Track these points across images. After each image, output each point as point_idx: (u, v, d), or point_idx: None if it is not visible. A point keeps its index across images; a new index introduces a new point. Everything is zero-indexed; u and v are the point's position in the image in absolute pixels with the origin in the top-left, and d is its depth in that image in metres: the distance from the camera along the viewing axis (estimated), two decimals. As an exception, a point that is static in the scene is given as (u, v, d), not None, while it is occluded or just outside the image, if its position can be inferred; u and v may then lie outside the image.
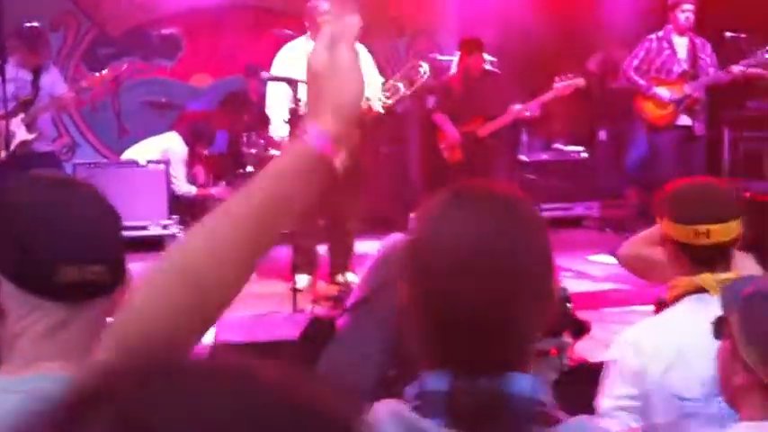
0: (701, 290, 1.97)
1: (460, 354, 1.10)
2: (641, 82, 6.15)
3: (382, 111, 5.10)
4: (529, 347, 1.13)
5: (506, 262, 1.09)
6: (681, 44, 6.15)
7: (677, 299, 2.01)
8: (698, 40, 6.16)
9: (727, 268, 2.00)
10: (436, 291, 1.11)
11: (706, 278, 1.95)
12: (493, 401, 1.07)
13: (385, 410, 1.11)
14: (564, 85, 5.92)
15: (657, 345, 1.96)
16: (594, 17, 7.57)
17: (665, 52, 6.14)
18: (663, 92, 6.08)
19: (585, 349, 3.42)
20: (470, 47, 6.10)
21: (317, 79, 1.11)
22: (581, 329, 2.04)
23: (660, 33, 6.19)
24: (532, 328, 1.14)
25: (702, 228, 1.96)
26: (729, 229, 1.98)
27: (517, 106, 6.01)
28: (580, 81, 5.99)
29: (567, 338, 2.02)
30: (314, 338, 3.50)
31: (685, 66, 6.12)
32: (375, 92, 5.04)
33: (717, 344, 1.62)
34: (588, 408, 1.70)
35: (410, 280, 1.14)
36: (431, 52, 7.09)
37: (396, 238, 3.48)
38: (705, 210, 2.00)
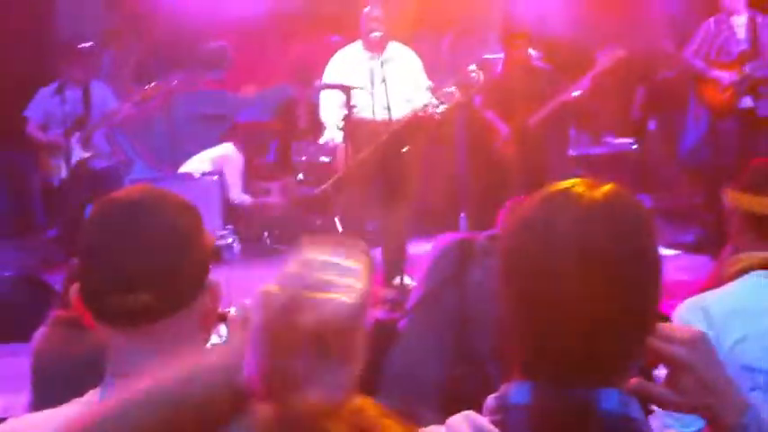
0: (766, 266, 1.92)
1: (552, 362, 1.03)
2: (699, 65, 5.98)
3: (438, 115, 5.12)
4: (626, 365, 1.05)
5: (612, 265, 1.02)
6: (740, 23, 5.93)
7: (740, 273, 1.95)
8: (760, 18, 5.92)
9: None
10: (535, 295, 1.04)
11: None
12: (580, 417, 1.01)
13: (464, 423, 1.04)
14: (606, 57, 5.84)
15: (727, 315, 1.90)
16: (642, 7, 7.48)
17: (723, 33, 5.95)
18: (721, 74, 5.93)
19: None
20: (515, 41, 6.01)
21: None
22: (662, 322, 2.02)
23: (718, 15, 5.99)
24: (632, 345, 1.04)
25: None
26: None
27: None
28: (620, 51, 5.89)
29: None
30: (376, 341, 3.52)
31: (745, 45, 5.91)
32: (423, 95, 5.07)
33: None
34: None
35: (509, 282, 1.07)
36: (476, 51, 7.08)
37: (449, 237, 3.49)
38: None
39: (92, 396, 1.23)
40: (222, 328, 1.35)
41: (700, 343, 1.02)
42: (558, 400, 1.02)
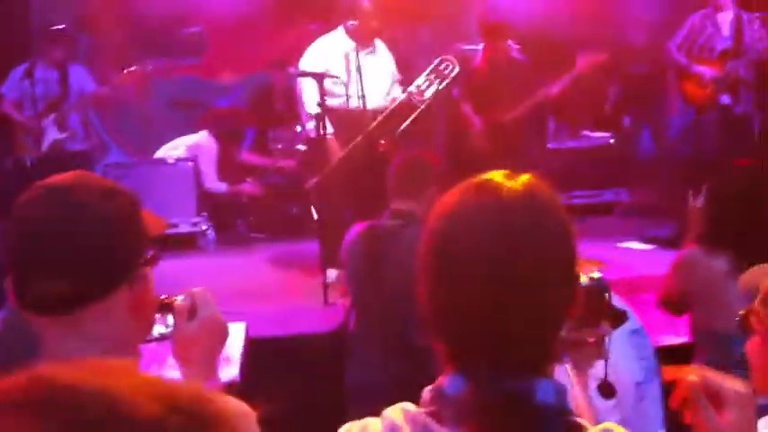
0: None
1: (481, 352, 1.03)
2: (681, 60, 5.98)
3: (422, 107, 5.14)
4: (554, 346, 1.06)
5: (524, 247, 1.04)
6: (725, 21, 5.93)
7: None
8: (746, 16, 5.92)
9: None
10: (454, 281, 1.05)
11: None
12: (515, 409, 1.00)
13: (399, 415, 1.04)
14: (586, 61, 5.85)
15: None
16: (619, 2, 7.49)
17: (707, 30, 5.94)
18: (703, 70, 5.92)
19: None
20: (495, 33, 5.97)
21: (189, 346, 1.31)
22: (619, 319, 2.00)
23: (704, 11, 5.98)
24: (556, 321, 1.07)
25: None
26: None
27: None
28: (602, 56, 5.90)
29: (605, 328, 1.99)
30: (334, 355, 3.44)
31: (728, 43, 5.91)
32: (390, 87, 5.11)
33: None
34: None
35: (428, 271, 1.08)
36: (455, 41, 7.06)
37: (354, 229, 3.45)
38: None
39: None
40: (169, 318, 1.33)
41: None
42: (490, 391, 1.01)
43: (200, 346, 1.33)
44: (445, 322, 1.07)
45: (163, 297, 1.35)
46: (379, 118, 5.05)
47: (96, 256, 1.20)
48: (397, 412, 1.05)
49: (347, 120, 5.04)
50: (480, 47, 6.22)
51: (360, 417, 1.10)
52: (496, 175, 1.11)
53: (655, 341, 3.00)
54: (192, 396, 0.57)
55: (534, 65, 6.21)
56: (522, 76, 6.02)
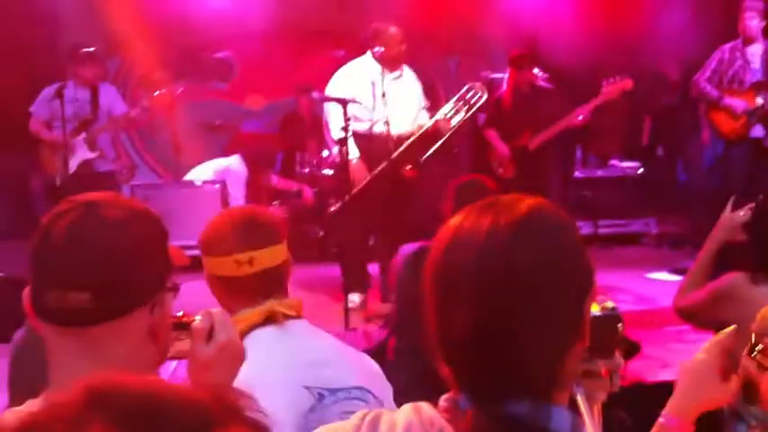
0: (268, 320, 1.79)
1: (477, 377, 1.02)
2: (713, 93, 5.94)
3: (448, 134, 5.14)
4: (558, 373, 1.03)
5: (511, 272, 1.01)
6: (755, 53, 5.92)
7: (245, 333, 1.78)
8: None
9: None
10: (445, 302, 1.04)
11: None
12: None
13: (413, 413, 1.04)
14: (612, 87, 5.82)
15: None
16: (647, 32, 7.47)
17: (737, 62, 5.93)
18: (734, 102, 5.89)
19: (641, 369, 3.35)
20: (521, 62, 6.03)
21: (204, 370, 1.28)
22: (632, 349, 1.95)
23: (733, 42, 5.97)
24: (557, 348, 1.03)
25: (243, 256, 1.79)
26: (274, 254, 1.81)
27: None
28: (628, 82, 5.86)
29: (618, 359, 1.94)
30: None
31: (759, 75, 5.89)
32: (419, 115, 5.11)
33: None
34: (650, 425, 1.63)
35: (427, 294, 1.07)
36: (482, 70, 7.07)
37: (408, 248, 3.41)
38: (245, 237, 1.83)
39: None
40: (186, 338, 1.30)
41: None
42: (494, 413, 1.00)
43: (216, 370, 1.30)
44: (443, 345, 1.05)
45: (180, 315, 1.32)
46: (405, 144, 5.05)
47: (122, 275, 1.19)
48: (414, 411, 1.05)
49: (372, 145, 5.04)
50: (506, 75, 6.23)
51: None
52: (503, 199, 1.09)
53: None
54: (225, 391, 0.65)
55: (561, 93, 6.19)
56: (546, 104, 6.01)
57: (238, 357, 1.33)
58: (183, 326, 1.31)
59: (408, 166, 5.04)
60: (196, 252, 1.97)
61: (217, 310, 1.34)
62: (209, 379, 1.29)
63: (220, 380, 1.30)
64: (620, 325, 1.85)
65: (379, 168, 4.98)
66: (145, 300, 1.21)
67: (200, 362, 1.29)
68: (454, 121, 5.22)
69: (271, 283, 1.83)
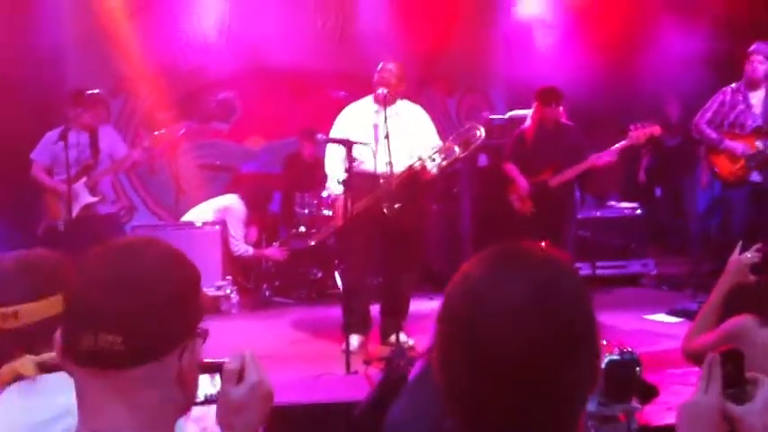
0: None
1: (505, 416, 1.02)
2: (713, 135, 5.98)
3: (436, 172, 5.10)
4: (577, 413, 1.05)
5: (551, 319, 1.02)
6: (757, 97, 5.96)
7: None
8: None
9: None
10: (480, 348, 1.03)
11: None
12: None
13: None
14: (640, 131, 5.85)
15: None
16: (647, 73, 7.55)
17: (739, 106, 5.96)
18: (735, 145, 5.93)
19: (648, 412, 3.32)
20: (548, 98, 5.98)
21: (235, 412, 1.30)
22: (649, 393, 1.94)
23: (735, 86, 6.01)
24: (578, 391, 1.05)
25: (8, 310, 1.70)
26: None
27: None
28: (656, 128, 5.89)
29: (635, 403, 1.92)
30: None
31: (760, 121, 5.93)
32: (430, 153, 5.06)
33: None
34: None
35: (451, 338, 1.07)
36: (482, 110, 7.12)
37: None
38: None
39: None
40: (217, 379, 1.31)
41: None
42: None
43: (246, 412, 1.30)
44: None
45: (207, 360, 1.32)
46: (383, 184, 4.98)
47: (157, 319, 1.19)
48: None
49: (371, 185, 5.03)
50: (531, 111, 6.23)
51: None
52: (519, 245, 1.10)
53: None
54: None
55: (583, 132, 6.18)
56: (569, 142, 6.02)
57: (268, 399, 1.33)
58: (213, 368, 1.31)
59: (397, 204, 4.99)
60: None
61: (248, 352, 1.34)
62: (239, 421, 1.29)
63: (250, 421, 1.30)
64: (638, 369, 1.84)
65: (362, 203, 4.93)
66: (177, 345, 1.22)
67: (231, 403, 1.29)
68: (437, 161, 5.12)
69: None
